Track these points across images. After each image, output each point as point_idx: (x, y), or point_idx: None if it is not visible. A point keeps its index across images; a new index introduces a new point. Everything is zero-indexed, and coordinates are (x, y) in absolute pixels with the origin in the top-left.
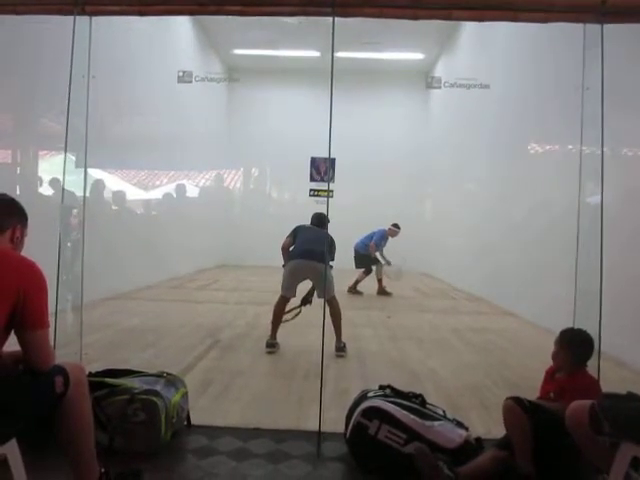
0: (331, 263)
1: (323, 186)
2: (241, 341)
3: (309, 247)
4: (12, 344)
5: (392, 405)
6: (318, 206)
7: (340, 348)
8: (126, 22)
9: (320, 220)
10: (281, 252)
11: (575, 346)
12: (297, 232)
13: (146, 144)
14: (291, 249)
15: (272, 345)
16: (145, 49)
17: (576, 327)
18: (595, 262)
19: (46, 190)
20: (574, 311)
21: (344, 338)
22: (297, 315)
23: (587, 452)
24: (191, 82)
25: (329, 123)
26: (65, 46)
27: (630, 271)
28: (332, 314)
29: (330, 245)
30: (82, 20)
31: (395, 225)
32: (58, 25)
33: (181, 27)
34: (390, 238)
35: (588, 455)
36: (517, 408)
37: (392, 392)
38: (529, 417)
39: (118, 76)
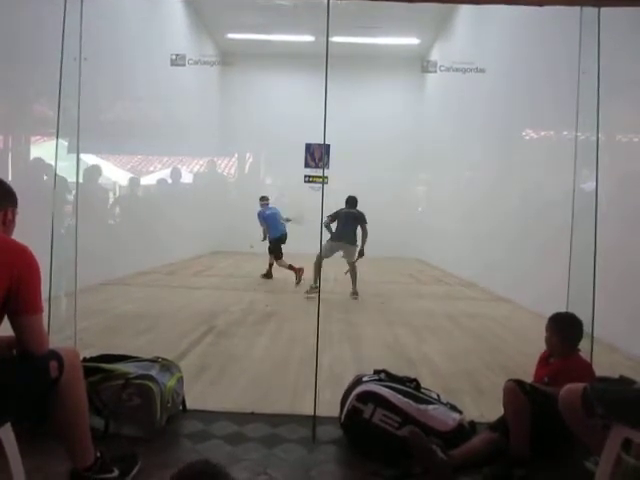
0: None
1: (318, 172)
2: (236, 327)
3: (342, 232)
4: (6, 329)
5: (387, 389)
6: (313, 192)
7: (354, 293)
8: (119, 4)
9: (351, 202)
10: (325, 227)
11: (564, 329)
12: (338, 216)
13: (139, 129)
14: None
15: (315, 289)
16: (138, 32)
17: (563, 311)
18: (589, 248)
19: (39, 176)
20: (567, 296)
21: (339, 323)
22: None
23: (579, 434)
24: (184, 65)
25: (324, 109)
26: (58, 29)
27: (624, 257)
28: (350, 270)
29: (360, 220)
30: (74, 1)
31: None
32: (51, 7)
33: (174, 10)
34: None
35: (580, 437)
36: (518, 390)
37: (387, 377)
38: (529, 400)
39: (110, 59)
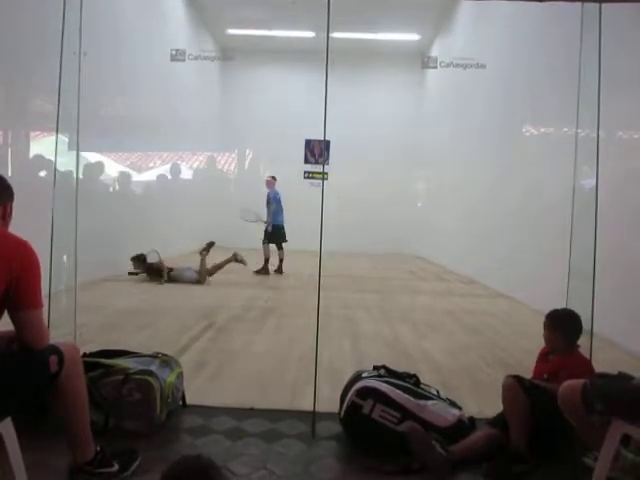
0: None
1: (318, 168)
2: (236, 323)
3: None
4: (6, 324)
5: (386, 385)
6: (312, 189)
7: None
8: None
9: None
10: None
11: (564, 326)
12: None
13: (138, 124)
14: None
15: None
16: (138, 27)
17: (560, 307)
18: (589, 245)
19: (38, 171)
20: (567, 293)
21: (339, 319)
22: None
23: (579, 430)
24: (184, 60)
25: (324, 105)
26: (58, 23)
27: (624, 253)
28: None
29: None
30: None
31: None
32: (51, 2)
33: (174, 5)
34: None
35: (580, 433)
36: (517, 386)
37: (386, 372)
38: (528, 396)
39: (110, 54)
